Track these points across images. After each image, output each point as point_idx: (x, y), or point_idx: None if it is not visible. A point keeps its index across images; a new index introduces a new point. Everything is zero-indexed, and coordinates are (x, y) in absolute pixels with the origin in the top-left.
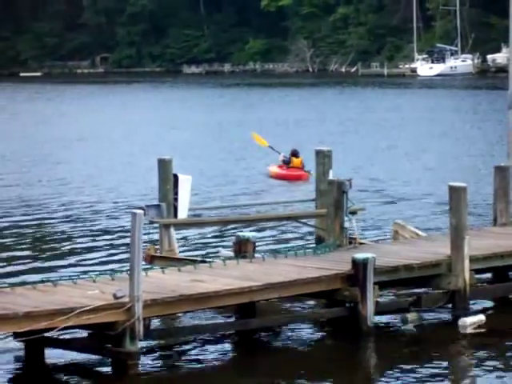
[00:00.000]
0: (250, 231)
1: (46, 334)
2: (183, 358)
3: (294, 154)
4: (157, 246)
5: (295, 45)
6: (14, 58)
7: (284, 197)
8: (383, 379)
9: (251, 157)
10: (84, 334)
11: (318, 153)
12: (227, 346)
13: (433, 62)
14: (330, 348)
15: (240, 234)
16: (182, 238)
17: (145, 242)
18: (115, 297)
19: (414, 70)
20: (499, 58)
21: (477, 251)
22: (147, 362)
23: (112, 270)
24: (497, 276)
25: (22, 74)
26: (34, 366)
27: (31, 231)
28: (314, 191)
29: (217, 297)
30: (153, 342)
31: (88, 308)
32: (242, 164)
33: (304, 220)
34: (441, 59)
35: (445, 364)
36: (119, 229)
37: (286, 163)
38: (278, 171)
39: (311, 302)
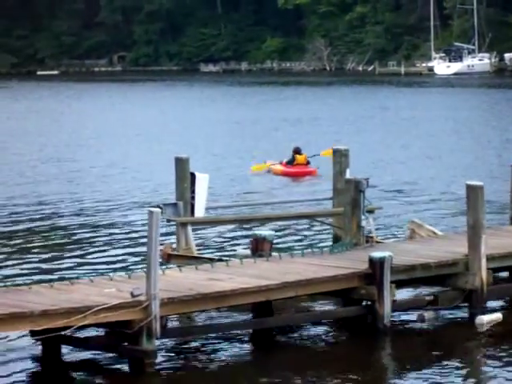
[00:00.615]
0: (267, 230)
1: (63, 332)
2: (200, 357)
3: (297, 151)
4: (174, 245)
5: (312, 43)
6: (31, 57)
7: (300, 195)
8: (400, 378)
9: (267, 155)
10: (101, 332)
11: (335, 151)
12: (244, 345)
13: (450, 61)
14: (346, 347)
15: (257, 232)
16: (198, 237)
17: (162, 241)
18: (132, 295)
19: (431, 69)
20: None
21: (494, 250)
22: (164, 361)
23: (129, 268)
24: None
25: (39, 73)
26: (50, 364)
27: (48, 230)
28: (326, 190)
29: (233, 295)
30: (169, 341)
31: (105, 306)
32: (258, 162)
33: (321, 219)
34: (458, 58)
35: (462, 362)
36: (136, 227)
37: (290, 162)
38: (285, 169)
39: (328, 301)
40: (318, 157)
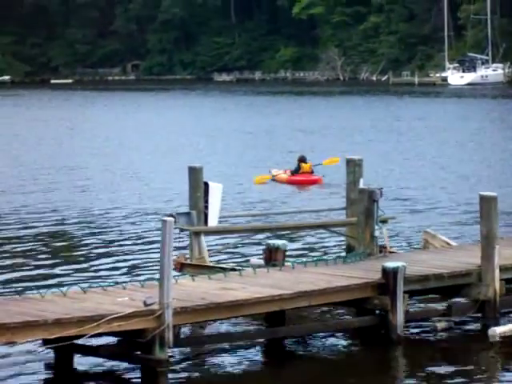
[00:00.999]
0: (281, 239)
1: (76, 341)
2: (212, 366)
3: (302, 160)
4: (187, 254)
5: (326, 53)
6: (45, 65)
7: (313, 205)
8: None
9: (281, 164)
10: (113, 340)
11: (349, 161)
12: (257, 355)
13: (464, 71)
14: (359, 357)
15: (270, 242)
16: (212, 246)
17: (175, 250)
18: (145, 304)
19: (444, 79)
20: None
21: (507, 261)
22: (176, 370)
23: (142, 277)
24: None
25: (52, 81)
26: (63, 372)
27: (60, 238)
28: (336, 199)
29: (247, 305)
30: (182, 350)
31: (118, 315)
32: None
33: (334, 228)
34: (472, 68)
35: (474, 373)
36: (149, 236)
37: (296, 171)
38: (291, 177)
39: (341, 311)
40: (322, 166)
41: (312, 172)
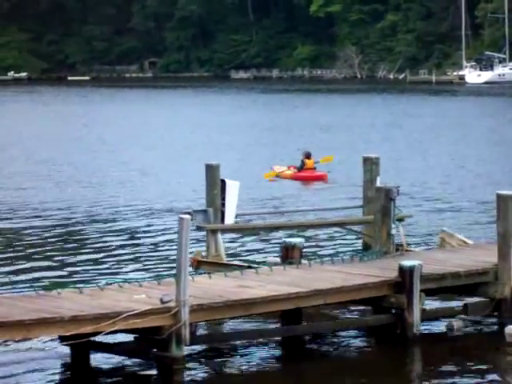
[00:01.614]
0: (297, 237)
1: (92, 338)
2: (228, 364)
3: (307, 156)
4: (203, 252)
5: (343, 51)
6: (62, 62)
7: (327, 203)
8: None
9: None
10: (130, 338)
11: (366, 160)
12: (273, 352)
13: (481, 70)
14: (375, 355)
15: (287, 239)
16: (228, 244)
17: (191, 247)
18: (162, 301)
19: (462, 78)
20: None
21: None
22: (192, 367)
23: (158, 274)
24: None
25: (69, 78)
26: (79, 369)
27: (77, 235)
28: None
29: (263, 303)
30: (198, 347)
31: (134, 312)
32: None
33: (351, 227)
34: (489, 67)
35: (490, 372)
36: (166, 234)
37: (300, 167)
38: (297, 173)
39: (357, 309)
40: (320, 163)
41: (315, 168)
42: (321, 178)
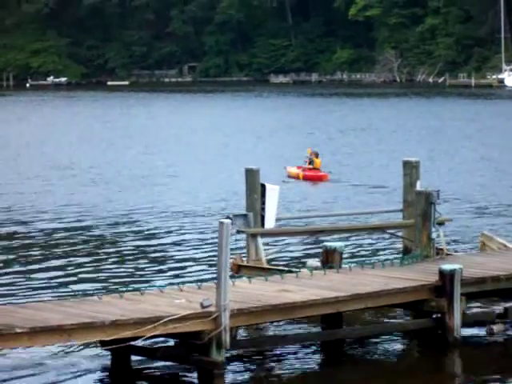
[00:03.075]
0: (338, 241)
1: (133, 343)
2: (268, 368)
3: (317, 155)
4: (244, 256)
5: (382, 55)
6: (101, 67)
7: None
8: None
9: (335, 166)
10: (170, 342)
11: (405, 163)
12: (312, 356)
13: None
14: (416, 359)
15: (327, 244)
16: (268, 248)
17: (232, 252)
18: (202, 306)
19: (501, 81)
20: None
21: None
22: (232, 371)
23: (199, 278)
24: None
25: (109, 83)
26: (120, 373)
27: (118, 240)
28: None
29: (303, 307)
30: (239, 352)
31: (175, 317)
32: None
33: (391, 230)
34: None
35: None
36: (206, 238)
37: (311, 163)
38: (305, 173)
39: (397, 313)
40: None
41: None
42: (322, 178)
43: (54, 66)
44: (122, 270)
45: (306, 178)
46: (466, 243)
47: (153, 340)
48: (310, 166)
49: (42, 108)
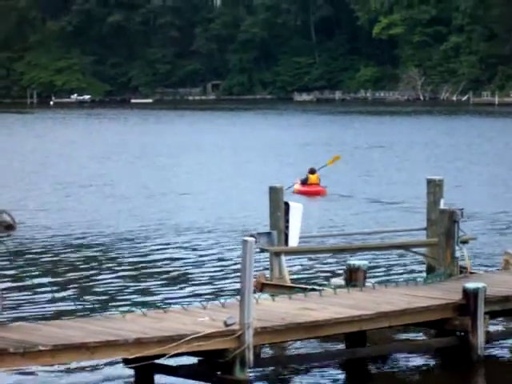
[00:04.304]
0: (361, 259)
1: (156, 361)
2: None
3: (311, 171)
4: (267, 274)
5: (406, 73)
6: (125, 84)
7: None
8: None
9: (358, 184)
10: (193, 360)
11: (429, 182)
12: (337, 375)
13: None
14: (439, 378)
15: (351, 262)
16: (292, 266)
17: (255, 270)
18: (226, 324)
19: None
20: None
21: None
22: None
23: (222, 296)
24: None
25: (133, 101)
26: None
27: (141, 258)
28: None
29: (327, 325)
30: (262, 370)
31: (198, 335)
32: (347, 190)
33: (415, 249)
34: None
35: None
36: (230, 256)
37: (304, 181)
38: (299, 188)
39: (421, 332)
40: (326, 168)
41: (318, 183)
42: (319, 193)
43: (77, 84)
44: (145, 287)
45: (301, 193)
46: (490, 261)
47: (176, 358)
48: (302, 183)
49: (64, 125)
